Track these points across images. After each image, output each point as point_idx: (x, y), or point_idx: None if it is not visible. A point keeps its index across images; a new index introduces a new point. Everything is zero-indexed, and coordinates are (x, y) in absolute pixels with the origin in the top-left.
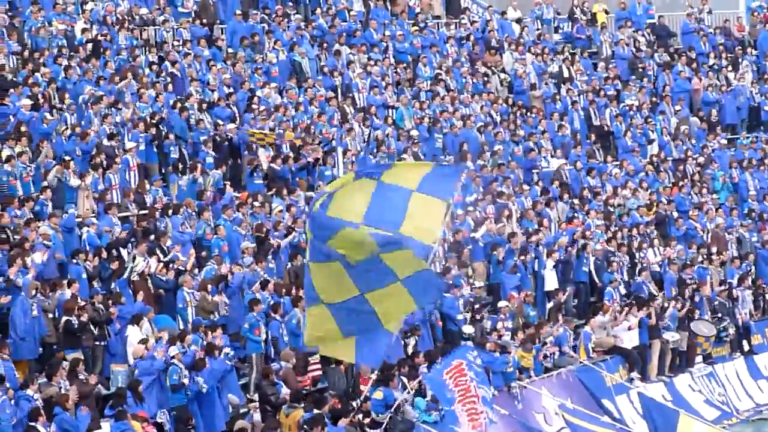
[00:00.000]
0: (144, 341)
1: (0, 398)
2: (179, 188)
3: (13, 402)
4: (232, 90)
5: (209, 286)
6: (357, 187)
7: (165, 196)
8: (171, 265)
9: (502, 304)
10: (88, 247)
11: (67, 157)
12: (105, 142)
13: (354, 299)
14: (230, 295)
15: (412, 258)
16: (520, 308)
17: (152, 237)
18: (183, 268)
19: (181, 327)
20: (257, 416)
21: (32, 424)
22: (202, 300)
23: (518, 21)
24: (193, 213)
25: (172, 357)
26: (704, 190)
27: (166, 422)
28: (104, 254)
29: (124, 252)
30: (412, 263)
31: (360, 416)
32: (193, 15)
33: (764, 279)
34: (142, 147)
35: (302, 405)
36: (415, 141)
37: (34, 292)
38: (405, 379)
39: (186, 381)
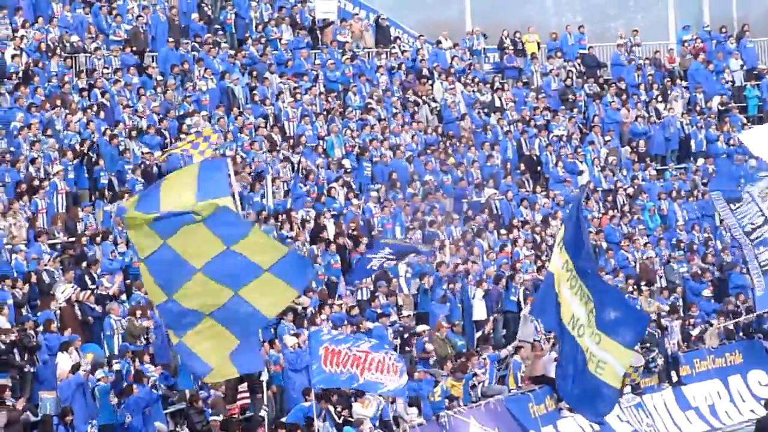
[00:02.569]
0: (76, 367)
1: None
2: (105, 214)
3: None
4: (161, 116)
5: (137, 312)
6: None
7: (94, 223)
8: (96, 292)
9: (421, 328)
10: (15, 274)
11: None
12: (30, 168)
13: (231, 300)
14: (157, 325)
15: (268, 242)
16: (443, 337)
17: (83, 264)
18: (109, 294)
19: (108, 354)
20: None
21: None
22: (129, 324)
23: (454, 46)
24: (121, 237)
25: (98, 379)
26: (635, 220)
27: None
28: (33, 279)
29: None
30: (269, 249)
31: None
32: (123, 43)
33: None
34: (71, 175)
35: None
36: (347, 170)
37: None
38: (331, 409)
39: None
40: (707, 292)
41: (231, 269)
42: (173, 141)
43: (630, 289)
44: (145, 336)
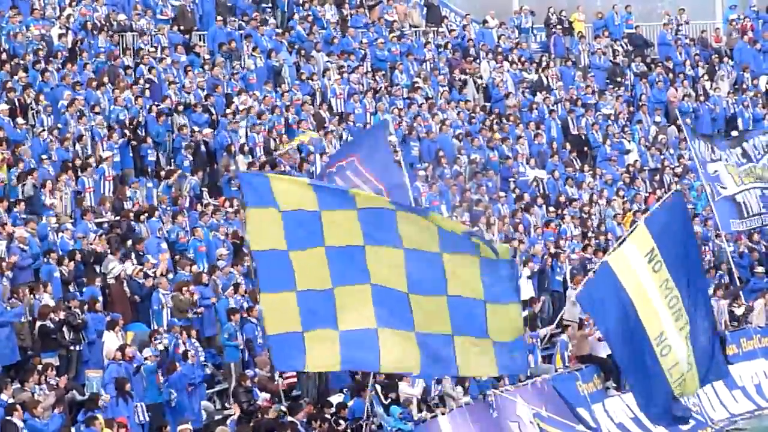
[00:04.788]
0: (123, 347)
1: None
2: (148, 192)
3: None
4: (207, 93)
5: (183, 288)
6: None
7: (141, 200)
8: (144, 268)
9: None
10: (60, 252)
11: (43, 157)
12: (77, 145)
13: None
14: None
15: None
16: None
17: (129, 242)
18: (155, 273)
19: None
20: None
21: (8, 418)
22: (176, 299)
23: (500, 25)
24: (168, 214)
25: (145, 358)
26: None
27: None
28: (78, 257)
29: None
30: (388, 266)
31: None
32: (171, 22)
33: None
34: (117, 158)
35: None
36: (396, 149)
37: (8, 296)
38: (378, 388)
39: (159, 379)
40: (761, 269)
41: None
42: (220, 118)
43: None
44: (194, 310)
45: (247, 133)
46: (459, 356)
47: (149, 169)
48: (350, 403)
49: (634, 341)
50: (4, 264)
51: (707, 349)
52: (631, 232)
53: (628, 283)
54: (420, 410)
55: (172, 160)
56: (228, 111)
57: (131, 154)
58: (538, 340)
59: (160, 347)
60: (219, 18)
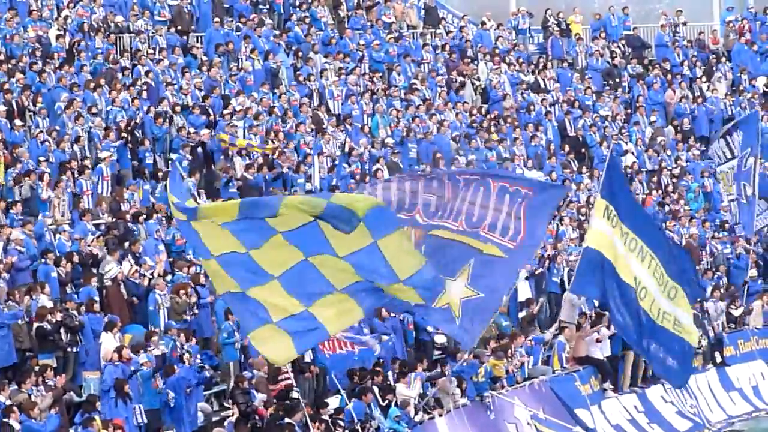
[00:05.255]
0: (120, 349)
1: None
2: (145, 193)
3: None
4: (205, 94)
5: (181, 290)
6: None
7: (138, 202)
8: (141, 270)
9: None
10: (57, 254)
11: (41, 159)
12: (75, 146)
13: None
14: (201, 305)
15: (345, 266)
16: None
17: (126, 244)
18: (152, 275)
19: (151, 329)
20: None
21: (5, 420)
22: (173, 302)
23: (498, 26)
24: (164, 219)
25: (141, 364)
26: (681, 201)
27: (139, 415)
28: (75, 259)
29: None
30: (344, 271)
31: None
32: (168, 23)
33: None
34: (114, 157)
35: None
36: (394, 150)
37: (5, 297)
38: (376, 390)
39: (159, 384)
40: (753, 272)
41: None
42: (217, 119)
43: None
44: (190, 312)
45: (244, 134)
46: (322, 320)
47: (146, 171)
48: (349, 406)
49: (630, 304)
50: (1, 265)
51: (686, 270)
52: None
53: (608, 252)
54: (417, 412)
55: (170, 162)
56: (225, 112)
57: (129, 156)
58: (542, 344)
59: (156, 353)
60: (216, 19)
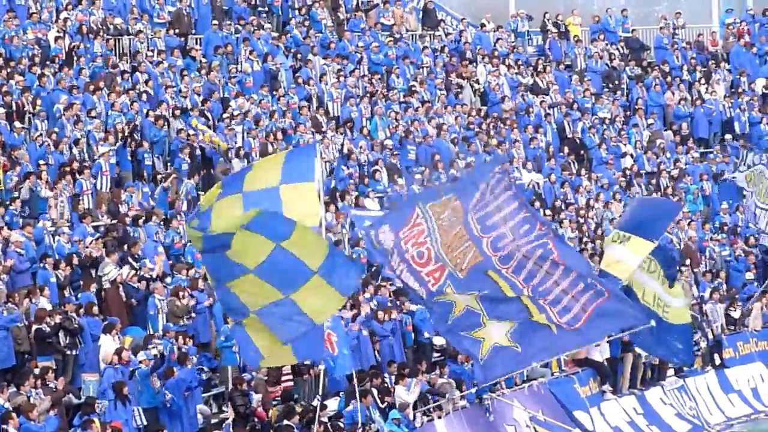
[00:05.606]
0: (120, 351)
1: None
2: (144, 196)
3: None
4: (204, 98)
5: (180, 293)
6: (226, 206)
7: (137, 204)
8: (140, 273)
9: None
10: (57, 256)
11: (41, 161)
12: (74, 148)
13: (278, 302)
14: (199, 310)
15: (313, 237)
16: None
17: (125, 246)
18: (152, 276)
19: (151, 332)
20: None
21: (4, 426)
22: (171, 304)
23: (497, 29)
24: (162, 223)
25: (140, 362)
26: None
27: (138, 417)
28: (75, 261)
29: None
30: (315, 246)
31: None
32: (167, 26)
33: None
34: (112, 160)
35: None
36: (393, 152)
37: (4, 300)
38: (375, 392)
39: (157, 383)
40: (750, 275)
41: (283, 271)
42: (216, 122)
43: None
44: (189, 316)
45: (243, 137)
46: (306, 310)
47: (146, 174)
48: (348, 408)
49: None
50: (0, 268)
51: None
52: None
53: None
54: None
55: (169, 164)
56: (225, 115)
57: (129, 158)
58: None
59: (155, 351)
60: (214, 22)
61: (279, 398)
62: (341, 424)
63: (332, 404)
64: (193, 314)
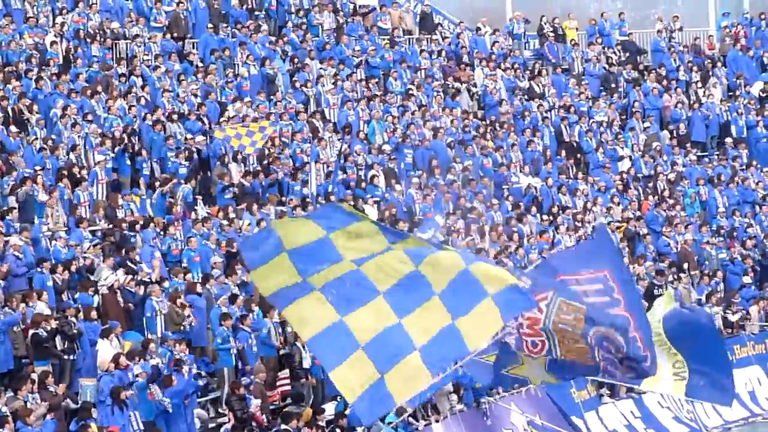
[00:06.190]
0: (117, 356)
1: None
2: (142, 202)
3: None
4: (200, 101)
5: (178, 300)
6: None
7: (135, 210)
8: (137, 277)
9: None
10: (54, 261)
11: (37, 167)
12: (71, 154)
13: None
14: (196, 307)
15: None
16: None
17: (123, 251)
18: (150, 280)
19: (149, 337)
20: None
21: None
22: (170, 311)
23: (494, 32)
24: (160, 230)
25: (136, 375)
26: (677, 207)
27: (135, 422)
28: (73, 267)
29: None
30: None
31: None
32: (164, 29)
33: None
34: (109, 165)
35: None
36: (390, 157)
37: (1, 304)
38: None
39: (155, 395)
40: (747, 279)
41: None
42: (213, 126)
43: (671, 278)
44: (189, 323)
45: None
46: (465, 335)
47: (143, 181)
48: (347, 412)
49: None
50: None
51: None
52: None
53: None
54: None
55: (166, 167)
56: (222, 119)
57: (128, 162)
58: None
59: (152, 363)
60: (210, 26)
61: (276, 402)
62: (339, 429)
63: (330, 408)
64: (192, 319)
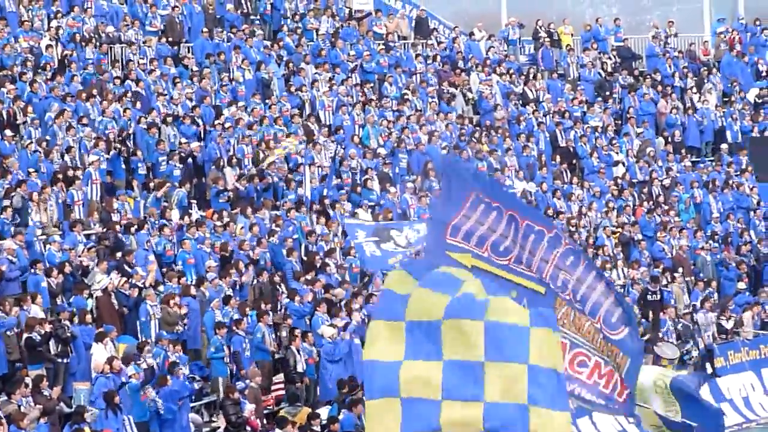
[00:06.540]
0: (111, 359)
1: None
2: (135, 204)
3: None
4: (195, 104)
5: (171, 301)
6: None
7: (129, 212)
8: (131, 281)
9: None
10: (48, 264)
11: (31, 170)
12: (66, 157)
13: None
14: (191, 309)
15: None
16: None
17: (118, 254)
18: (144, 284)
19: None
20: None
21: None
22: (164, 313)
23: (489, 37)
24: (156, 226)
25: (130, 376)
26: (671, 212)
27: (129, 426)
28: (67, 269)
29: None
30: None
31: None
32: (159, 33)
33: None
34: (103, 165)
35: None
36: (385, 161)
37: None
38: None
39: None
40: (742, 284)
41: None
42: (208, 129)
43: (665, 282)
44: (182, 323)
45: (235, 144)
46: (533, 422)
47: (137, 183)
48: (340, 417)
49: None
50: None
51: None
52: None
53: None
54: None
55: (158, 171)
56: (217, 122)
57: (123, 165)
58: None
59: (144, 366)
60: (205, 30)
61: (270, 407)
62: None
63: (324, 412)
64: (186, 321)
